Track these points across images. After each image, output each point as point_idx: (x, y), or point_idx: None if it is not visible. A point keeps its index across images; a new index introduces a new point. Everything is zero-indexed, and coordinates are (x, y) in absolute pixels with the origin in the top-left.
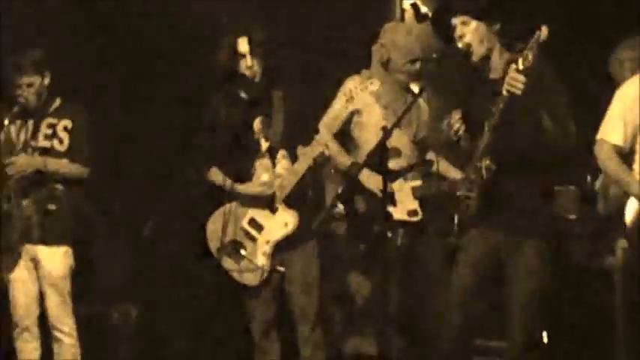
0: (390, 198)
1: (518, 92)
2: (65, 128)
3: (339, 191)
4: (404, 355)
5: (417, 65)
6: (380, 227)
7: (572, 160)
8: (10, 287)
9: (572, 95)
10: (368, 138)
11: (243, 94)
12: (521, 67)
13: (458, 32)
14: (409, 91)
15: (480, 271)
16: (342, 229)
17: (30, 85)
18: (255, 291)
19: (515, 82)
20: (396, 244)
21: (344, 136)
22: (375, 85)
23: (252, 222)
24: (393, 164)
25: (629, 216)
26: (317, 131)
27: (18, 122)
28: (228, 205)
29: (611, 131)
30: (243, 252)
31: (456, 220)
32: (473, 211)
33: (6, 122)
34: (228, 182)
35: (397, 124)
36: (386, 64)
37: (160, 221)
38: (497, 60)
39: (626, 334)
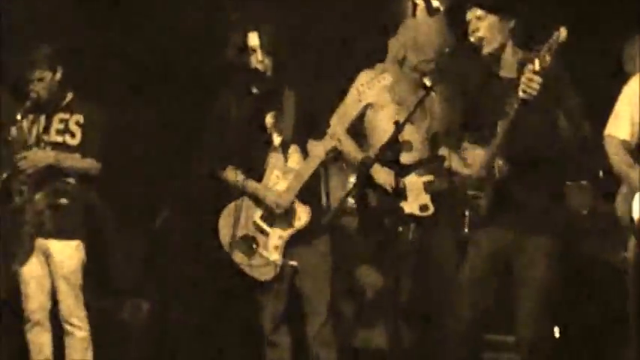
0: (401, 192)
1: (535, 94)
2: (77, 123)
3: (349, 186)
4: (414, 349)
5: (432, 65)
6: (391, 221)
7: (584, 157)
8: (21, 281)
9: (586, 92)
10: (380, 133)
11: (254, 89)
12: (537, 68)
13: (472, 26)
14: (422, 86)
15: (490, 267)
16: (353, 224)
17: (42, 80)
18: (267, 285)
19: (531, 83)
20: (407, 239)
21: (357, 131)
22: (386, 80)
23: (265, 216)
24: (405, 159)
25: (636, 213)
26: (328, 125)
27: (30, 117)
28: (239, 200)
29: (618, 127)
30: (255, 247)
31: (467, 218)
32: (484, 210)
33: (18, 117)
34: (241, 178)
35: (409, 119)
36: (402, 62)
37: (171, 215)
38: (509, 58)
39: (638, 329)
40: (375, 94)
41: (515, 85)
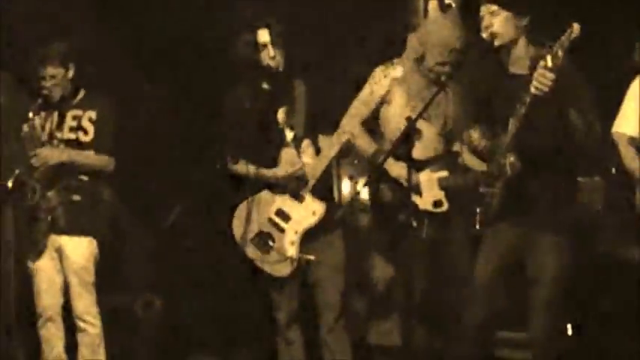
0: (416, 188)
1: (547, 90)
2: (90, 119)
3: (361, 182)
4: (428, 346)
5: (447, 68)
6: (405, 217)
7: (597, 153)
8: (34, 277)
9: (598, 88)
10: (394, 128)
11: (265, 85)
12: (550, 64)
13: (485, 22)
14: (437, 82)
15: (502, 264)
16: (365, 220)
17: (54, 77)
18: (282, 282)
19: (543, 79)
20: (421, 235)
21: (372, 127)
22: (397, 72)
23: (280, 212)
24: (419, 155)
25: None
26: (341, 119)
27: (42, 114)
28: (254, 197)
29: (626, 123)
30: (271, 244)
31: (478, 214)
32: (495, 207)
33: (30, 114)
34: (252, 169)
35: (421, 115)
36: (420, 61)
37: (184, 212)
38: (521, 54)
39: None
40: (386, 87)
41: (527, 81)
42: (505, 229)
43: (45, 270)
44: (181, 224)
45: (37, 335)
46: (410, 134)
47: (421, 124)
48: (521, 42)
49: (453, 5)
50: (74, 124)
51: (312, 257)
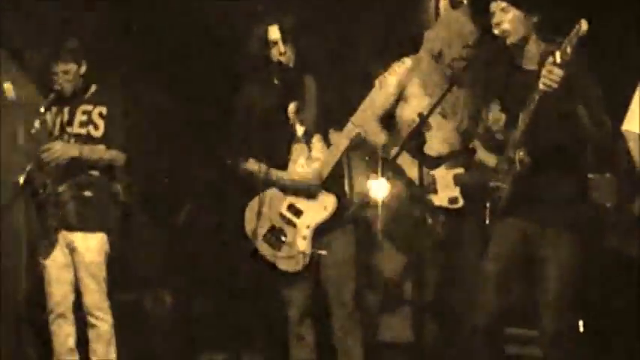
0: (431, 185)
1: (555, 86)
2: (100, 114)
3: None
4: (439, 343)
5: (464, 63)
6: (420, 214)
7: (608, 149)
8: (45, 273)
9: (609, 85)
10: (409, 124)
11: (276, 81)
12: (558, 60)
13: (496, 19)
14: (453, 78)
15: (511, 260)
16: (377, 215)
17: (66, 73)
18: (294, 277)
19: (551, 75)
20: (436, 231)
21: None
22: (404, 64)
23: (291, 207)
24: (436, 151)
25: None
26: (351, 115)
27: (54, 109)
28: (265, 192)
29: (635, 121)
30: (283, 239)
31: (488, 209)
32: (504, 202)
33: (42, 109)
34: (263, 168)
35: (433, 111)
36: (437, 57)
37: (195, 208)
38: (533, 50)
39: None
40: (395, 81)
41: (537, 77)
42: (514, 224)
43: (56, 266)
44: (192, 220)
45: (48, 331)
46: (422, 131)
47: (438, 121)
48: (533, 39)
49: (465, 2)
50: (84, 118)
51: (323, 252)
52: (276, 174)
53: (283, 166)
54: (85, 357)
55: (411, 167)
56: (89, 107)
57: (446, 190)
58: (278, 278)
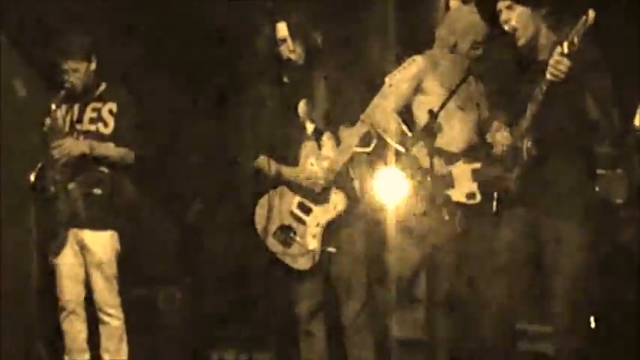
0: (448, 180)
1: (562, 76)
2: (110, 111)
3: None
4: (451, 339)
5: (480, 51)
6: (437, 209)
7: (619, 144)
8: (56, 271)
9: (617, 81)
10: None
11: (285, 79)
12: (566, 50)
13: (503, 17)
14: (470, 69)
15: (519, 252)
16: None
17: (76, 70)
18: (304, 274)
19: (559, 65)
20: (454, 227)
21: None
22: (415, 62)
23: (301, 205)
24: (453, 146)
25: None
26: (361, 112)
27: (64, 107)
28: (275, 189)
29: None
30: (293, 236)
31: (495, 199)
32: (513, 192)
33: (53, 107)
34: (274, 166)
35: (444, 105)
36: (453, 49)
37: (205, 205)
38: (544, 42)
39: None
40: (402, 77)
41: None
42: (522, 215)
43: (67, 263)
44: (203, 217)
45: (60, 328)
46: (433, 126)
47: (457, 115)
48: (543, 32)
49: None
50: (94, 115)
51: (333, 250)
52: (286, 171)
53: (293, 164)
54: (96, 354)
55: (427, 162)
56: (99, 104)
57: (463, 186)
58: (288, 275)
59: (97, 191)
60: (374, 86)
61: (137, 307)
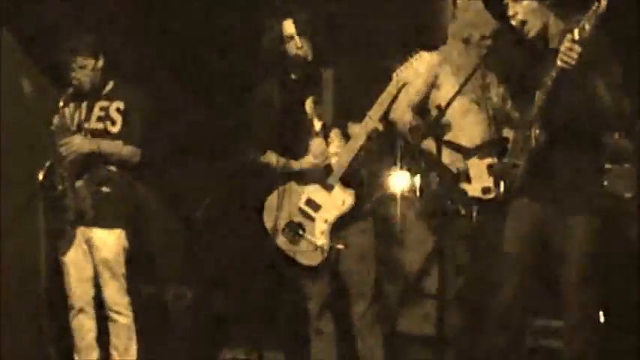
0: (465, 175)
1: (573, 63)
2: (118, 109)
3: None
4: (462, 337)
5: (489, 42)
6: (454, 204)
7: (629, 133)
8: (65, 269)
9: (631, 69)
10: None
11: (293, 75)
12: (577, 37)
13: (510, 11)
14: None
15: (528, 245)
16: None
17: (83, 67)
18: (313, 271)
19: (570, 52)
20: (470, 222)
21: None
22: (422, 57)
23: (310, 202)
24: (469, 141)
25: None
26: (369, 108)
27: (72, 105)
28: (284, 186)
29: None
30: (302, 233)
31: (501, 188)
32: (520, 180)
33: (60, 104)
34: (282, 161)
35: (453, 99)
36: (467, 40)
37: (214, 202)
38: (553, 30)
39: None
40: (410, 73)
41: (556, 54)
42: (529, 207)
43: (75, 261)
44: (212, 215)
45: (69, 326)
46: (440, 121)
47: (473, 109)
48: (552, 21)
49: None
50: (102, 114)
51: (342, 246)
52: (293, 164)
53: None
54: (105, 352)
55: (443, 157)
56: (106, 103)
57: (479, 180)
58: (297, 272)
59: (105, 189)
60: (383, 82)
61: (147, 306)
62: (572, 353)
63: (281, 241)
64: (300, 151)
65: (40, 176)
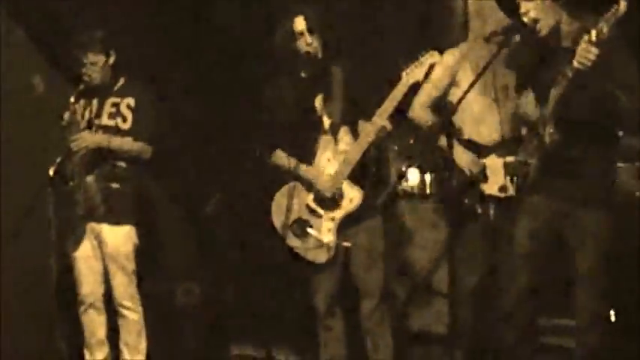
0: (482, 173)
1: (589, 64)
2: (128, 106)
3: (404, 168)
4: (474, 334)
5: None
6: (471, 202)
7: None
8: (75, 265)
9: None
10: (460, 111)
11: (303, 73)
12: (594, 39)
13: (522, 9)
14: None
15: (540, 241)
16: (405, 207)
17: (94, 64)
18: (321, 268)
19: (587, 53)
20: (487, 220)
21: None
22: (432, 57)
23: (317, 199)
24: (486, 139)
25: None
26: (379, 106)
27: (82, 101)
28: (292, 184)
29: None
30: (310, 230)
31: (514, 185)
32: (532, 177)
33: (71, 100)
34: (293, 162)
35: (465, 96)
36: (487, 39)
37: (223, 199)
38: (566, 29)
39: None
40: (420, 72)
41: (571, 54)
42: (541, 204)
43: (85, 257)
44: (221, 212)
45: (79, 322)
46: (450, 117)
47: (490, 107)
48: (564, 19)
49: None
50: (113, 110)
51: (348, 244)
52: (303, 170)
53: (310, 159)
54: (116, 349)
55: (461, 155)
56: (117, 100)
57: (496, 179)
58: (306, 269)
59: (115, 185)
60: (393, 80)
61: (156, 302)
62: (583, 352)
63: (289, 237)
64: (309, 149)
65: (51, 172)
